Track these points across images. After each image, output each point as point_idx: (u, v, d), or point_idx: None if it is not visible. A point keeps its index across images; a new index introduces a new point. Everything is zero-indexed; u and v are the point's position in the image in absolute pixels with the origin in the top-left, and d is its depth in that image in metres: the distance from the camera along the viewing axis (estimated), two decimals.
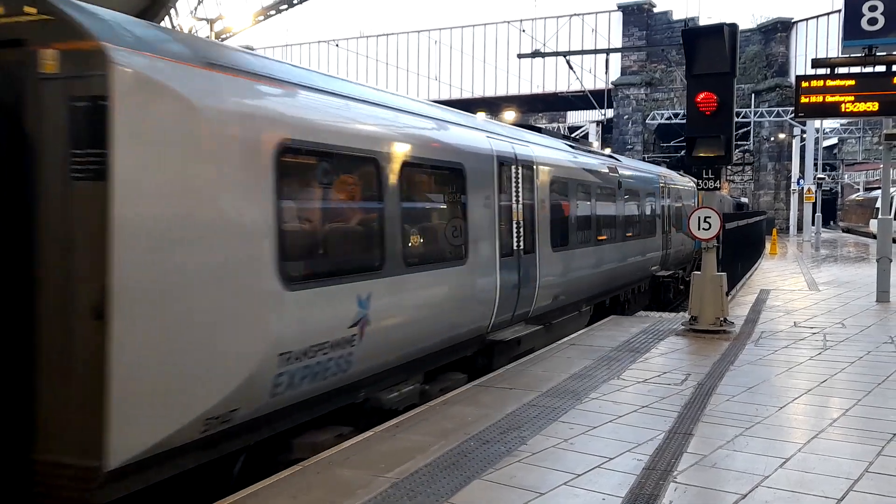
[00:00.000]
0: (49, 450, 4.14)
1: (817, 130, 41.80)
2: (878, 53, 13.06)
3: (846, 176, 67.88)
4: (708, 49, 10.17)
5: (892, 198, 14.57)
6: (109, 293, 3.98)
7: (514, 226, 9.17)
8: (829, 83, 13.10)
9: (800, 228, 43.08)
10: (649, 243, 16.47)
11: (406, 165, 6.79)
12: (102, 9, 4.44)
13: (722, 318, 10.50)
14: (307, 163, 5.77)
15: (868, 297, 14.28)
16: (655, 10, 49.17)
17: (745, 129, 45.67)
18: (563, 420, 6.15)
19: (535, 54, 34.47)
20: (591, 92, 36.88)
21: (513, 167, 9.18)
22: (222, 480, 5.11)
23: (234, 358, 4.79)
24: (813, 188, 36.98)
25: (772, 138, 46.69)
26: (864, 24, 12.93)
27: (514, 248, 9.12)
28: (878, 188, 34.04)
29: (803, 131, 42.22)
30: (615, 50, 44.54)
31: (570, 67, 32.56)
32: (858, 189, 65.71)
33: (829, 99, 13.05)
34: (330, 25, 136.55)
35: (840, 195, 69.81)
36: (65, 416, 4.13)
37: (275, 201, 5.08)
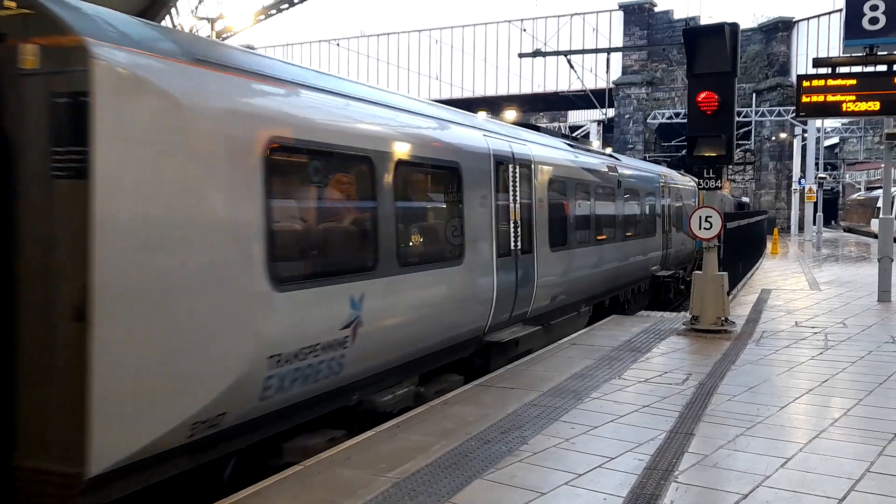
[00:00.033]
0: (29, 456, 4.04)
1: (818, 130, 41.78)
2: (879, 53, 13.06)
3: (847, 175, 67.80)
4: (709, 48, 10.16)
5: (893, 197, 14.51)
6: (91, 294, 3.88)
7: (512, 225, 9.07)
8: (831, 83, 13.09)
9: (801, 228, 43.10)
10: (649, 243, 16.36)
11: (400, 164, 6.69)
12: (85, 3, 4.37)
13: (723, 318, 10.49)
14: (297, 161, 5.69)
15: (869, 296, 14.27)
16: (656, 9, 49.16)
17: (747, 129, 45.66)
18: (565, 420, 6.15)
19: (536, 54, 34.43)
20: (592, 91, 36.85)
21: (510, 166, 9.09)
22: (212, 485, 5.03)
23: (221, 361, 4.68)
24: (814, 188, 36.97)
25: (773, 138, 46.67)
26: (865, 23, 12.94)
27: (512, 248, 9.03)
28: (880, 188, 33.99)
29: (804, 131, 42.23)
30: (616, 49, 44.51)
31: (571, 67, 32.52)
32: (860, 188, 65.66)
33: (831, 98, 13.04)
34: (331, 25, 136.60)
35: (841, 195, 69.78)
36: (45, 421, 4.03)
37: (264, 200, 4.98)
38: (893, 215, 14.61)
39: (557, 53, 35.43)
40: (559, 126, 49.44)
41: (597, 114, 45.47)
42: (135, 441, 4.18)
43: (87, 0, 4.56)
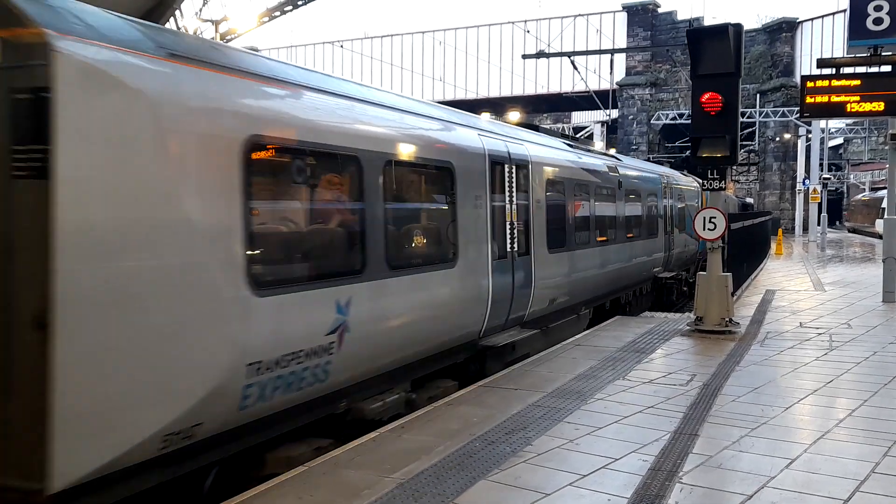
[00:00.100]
0: None
1: (823, 130, 41.70)
2: (883, 53, 13.04)
3: (852, 176, 67.71)
4: (713, 49, 10.16)
5: None
6: (52, 301, 3.68)
7: (508, 227, 8.88)
8: (835, 83, 13.08)
9: (805, 229, 43.03)
10: (651, 244, 16.16)
11: (389, 164, 6.51)
12: None
13: (727, 319, 10.48)
14: (279, 161, 5.48)
15: (874, 297, 14.24)
16: (660, 10, 49.25)
17: (751, 130, 45.64)
18: (569, 421, 6.15)
19: (540, 55, 34.45)
20: (595, 92, 36.83)
21: (506, 166, 8.89)
22: (194, 497, 4.90)
23: (195, 370, 4.47)
24: (818, 188, 36.90)
25: (777, 138, 46.63)
26: (869, 23, 12.93)
27: (508, 249, 8.85)
28: (884, 188, 33.96)
29: (809, 131, 42.13)
30: (620, 50, 44.49)
31: (575, 68, 32.50)
32: (864, 189, 65.60)
33: (835, 99, 13.03)
34: (334, 26, 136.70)
35: (846, 195, 69.68)
36: (4, 435, 3.82)
37: (243, 202, 4.79)
38: None
39: (561, 55, 35.47)
40: (562, 127, 49.47)
41: (600, 115, 45.47)
42: (101, 455, 3.98)
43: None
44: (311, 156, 5.69)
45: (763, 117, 45.13)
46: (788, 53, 46.53)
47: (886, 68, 13.00)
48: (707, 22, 47.48)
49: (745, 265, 17.44)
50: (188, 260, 4.43)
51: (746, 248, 17.62)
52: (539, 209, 9.85)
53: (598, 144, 21.23)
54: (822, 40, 44.10)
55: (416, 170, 7.37)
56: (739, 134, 10.51)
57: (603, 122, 48.31)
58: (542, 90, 50.84)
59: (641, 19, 48.88)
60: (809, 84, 13.29)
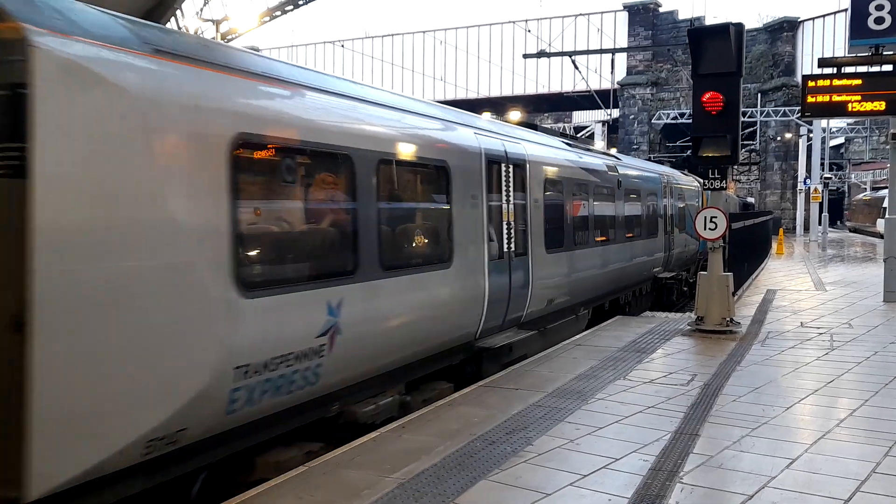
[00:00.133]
0: None
1: (824, 130, 41.65)
2: (884, 53, 13.03)
3: (853, 175, 67.66)
4: (714, 49, 10.15)
5: None
6: (30, 303, 3.58)
7: (505, 227, 8.78)
8: (836, 82, 13.08)
9: (806, 228, 43.02)
10: (651, 244, 16.05)
11: (382, 162, 6.41)
12: None
13: (728, 319, 10.47)
14: (268, 159, 5.35)
15: (875, 297, 14.23)
16: (661, 9, 49.20)
17: (752, 129, 45.60)
18: (569, 420, 6.15)
19: (541, 54, 34.40)
20: (596, 92, 36.80)
21: (503, 165, 8.80)
22: (181, 502, 4.82)
23: (180, 373, 4.36)
24: (819, 188, 36.88)
25: (778, 138, 46.59)
26: (870, 23, 12.92)
27: (505, 250, 8.74)
28: (886, 188, 33.93)
29: (810, 131, 42.11)
30: (621, 50, 44.45)
31: (576, 67, 32.49)
32: (865, 189, 65.59)
33: (836, 98, 13.03)
34: (335, 26, 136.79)
35: (847, 195, 69.67)
36: None
37: (230, 201, 4.69)
38: None
39: (562, 54, 35.45)
40: (563, 127, 49.46)
41: (601, 114, 45.39)
42: (81, 462, 3.88)
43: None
44: (301, 154, 5.60)
45: (764, 117, 45.09)
46: (789, 53, 46.50)
47: (888, 68, 13.00)
48: (708, 21, 47.34)
49: (747, 265, 17.43)
50: (173, 260, 4.34)
51: (747, 247, 17.61)
52: (537, 209, 9.76)
53: (599, 144, 21.24)
54: (824, 40, 44.07)
55: (411, 169, 7.26)
56: (740, 133, 10.50)
57: (604, 122, 48.24)
58: (543, 90, 50.82)
59: (642, 19, 48.86)
60: (811, 83, 13.29)
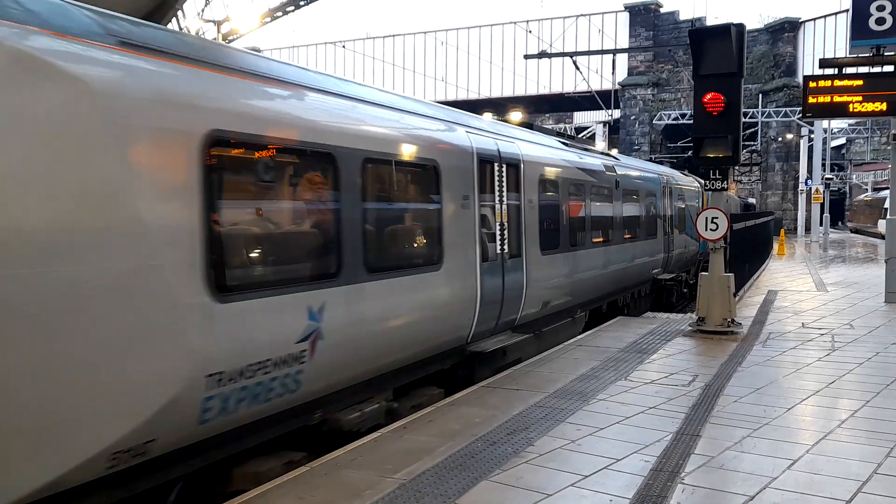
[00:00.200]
0: None
1: (825, 130, 41.69)
2: (886, 53, 13.02)
3: (854, 176, 67.68)
4: (715, 49, 10.15)
5: None
6: None
7: (498, 228, 8.57)
8: (837, 83, 13.06)
9: (808, 229, 43.01)
10: (650, 245, 15.87)
11: (367, 161, 6.18)
12: None
13: (729, 319, 10.47)
14: (244, 157, 5.15)
15: (877, 297, 14.22)
16: (662, 10, 49.22)
17: (753, 130, 45.59)
18: (571, 421, 6.15)
19: (542, 55, 34.45)
20: (597, 92, 36.84)
21: (495, 165, 8.58)
22: None
23: (146, 382, 4.14)
24: (821, 188, 36.87)
25: (779, 138, 46.60)
26: (871, 23, 12.91)
27: (498, 251, 8.54)
28: (887, 188, 33.89)
29: (811, 131, 42.12)
30: (622, 50, 44.52)
31: (577, 68, 32.50)
32: (867, 189, 65.58)
33: (837, 99, 13.01)
34: (336, 27, 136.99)
35: (848, 195, 69.64)
36: None
37: (202, 201, 4.48)
38: None
39: (563, 55, 35.49)
40: (564, 127, 49.46)
41: (602, 115, 45.41)
42: (36, 477, 3.67)
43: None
44: (280, 152, 5.38)
45: (765, 117, 45.10)
46: (791, 53, 46.49)
47: (889, 68, 12.98)
48: (709, 22, 47.41)
49: (748, 265, 17.43)
50: (139, 264, 4.12)
51: (749, 248, 17.59)
52: (531, 209, 9.57)
53: (601, 144, 21.21)
54: (825, 40, 44.06)
55: (398, 168, 6.97)
56: (742, 134, 10.50)
57: (605, 123, 48.24)
58: (544, 90, 50.84)
59: (643, 19, 48.87)
60: (812, 84, 13.27)
